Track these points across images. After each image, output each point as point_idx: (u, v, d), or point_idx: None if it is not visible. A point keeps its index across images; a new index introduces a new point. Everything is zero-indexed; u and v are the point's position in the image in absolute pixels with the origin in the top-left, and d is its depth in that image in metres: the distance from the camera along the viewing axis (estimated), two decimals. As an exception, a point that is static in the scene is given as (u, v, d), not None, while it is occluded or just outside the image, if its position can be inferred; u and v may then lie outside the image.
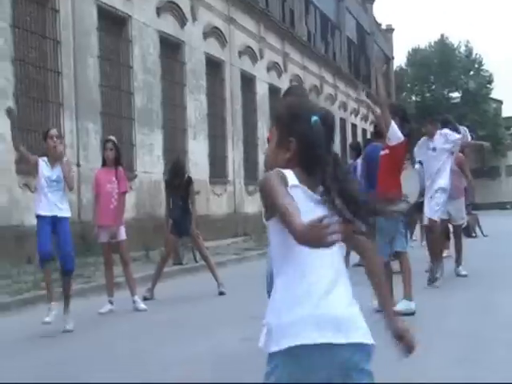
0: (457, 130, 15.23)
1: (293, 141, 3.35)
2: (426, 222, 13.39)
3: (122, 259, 11.83)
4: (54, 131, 10.52)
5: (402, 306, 9.52)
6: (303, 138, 3.39)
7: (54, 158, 10.12)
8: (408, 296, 9.66)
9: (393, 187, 9.89)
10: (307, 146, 3.39)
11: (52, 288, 10.04)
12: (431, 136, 13.27)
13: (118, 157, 11.77)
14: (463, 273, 13.74)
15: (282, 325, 3.23)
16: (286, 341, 3.19)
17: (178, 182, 13.28)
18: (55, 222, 10.04)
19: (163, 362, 7.14)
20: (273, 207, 3.20)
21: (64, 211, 10.20)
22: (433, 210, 13.01)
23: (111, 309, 11.29)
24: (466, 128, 15.91)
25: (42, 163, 10.14)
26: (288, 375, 3.24)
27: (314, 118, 3.41)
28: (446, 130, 13.13)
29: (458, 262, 14.23)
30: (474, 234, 25.26)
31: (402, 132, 10.22)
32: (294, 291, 3.24)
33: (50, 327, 9.62)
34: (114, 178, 11.58)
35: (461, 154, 14.42)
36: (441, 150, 13.07)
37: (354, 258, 10.35)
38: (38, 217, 10.09)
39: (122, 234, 11.61)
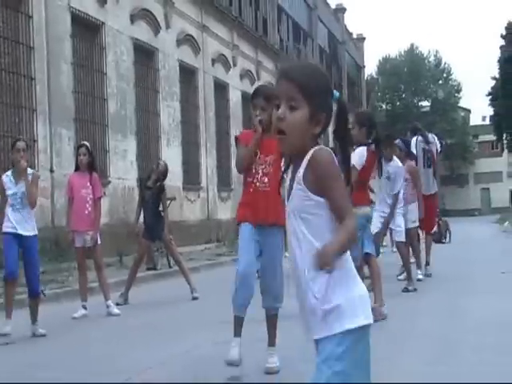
0: (426, 138, 15.35)
1: (324, 115, 3.25)
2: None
3: (96, 264, 11.72)
4: (20, 144, 10.02)
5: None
6: (330, 112, 3.35)
7: (19, 173, 9.77)
8: (379, 301, 9.63)
9: (362, 200, 9.88)
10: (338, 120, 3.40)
11: (11, 304, 9.73)
12: (388, 160, 13.03)
13: (92, 162, 11.63)
14: (419, 277, 13.72)
15: (354, 301, 3.21)
16: (363, 316, 3.21)
17: (151, 183, 13.32)
18: (23, 241, 9.72)
19: (137, 365, 7.12)
20: (328, 189, 3.19)
21: (30, 230, 9.80)
22: (398, 233, 13.32)
23: (85, 313, 11.18)
24: (434, 135, 16.02)
25: (6, 179, 9.84)
26: (366, 350, 3.25)
27: (336, 92, 3.38)
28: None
29: (418, 265, 14.34)
30: (444, 240, 25.42)
31: (368, 139, 10.22)
32: (350, 269, 3.28)
33: (22, 332, 9.54)
34: (88, 184, 11.45)
35: (412, 163, 14.39)
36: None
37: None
38: (4, 234, 9.74)
39: (98, 239, 11.53)
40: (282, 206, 6.59)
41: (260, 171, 6.74)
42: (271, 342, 6.76)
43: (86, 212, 11.42)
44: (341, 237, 3.12)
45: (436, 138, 15.83)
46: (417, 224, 14.06)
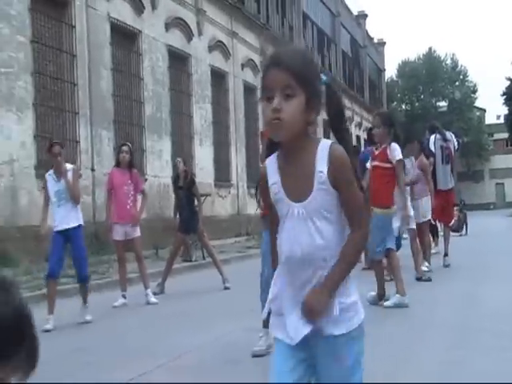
0: (444, 136, 15.32)
1: (318, 101, 3.02)
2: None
3: (137, 255, 11.86)
4: (56, 149, 10.05)
5: (395, 300, 9.55)
6: (321, 98, 3.11)
7: (59, 172, 9.98)
8: (401, 291, 9.65)
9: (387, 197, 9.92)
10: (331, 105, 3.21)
11: (53, 302, 9.77)
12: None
13: (132, 160, 11.85)
14: (424, 268, 13.39)
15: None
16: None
17: (181, 183, 13.40)
18: (68, 234, 9.86)
19: (172, 350, 7.17)
20: (345, 183, 3.00)
21: (74, 221, 9.94)
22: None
23: (124, 302, 11.32)
24: (452, 134, 15.99)
25: (49, 178, 10.03)
26: None
27: (324, 76, 3.19)
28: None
29: (425, 257, 14.21)
30: (461, 232, 25.13)
31: (388, 138, 10.28)
32: None
33: (68, 320, 9.67)
34: (129, 181, 11.64)
35: (424, 159, 14.21)
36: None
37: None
38: (54, 231, 9.89)
39: (137, 232, 11.68)
40: None
41: None
42: None
43: (128, 207, 11.61)
44: (336, 275, 2.99)
45: (453, 136, 15.77)
46: (428, 218, 13.98)
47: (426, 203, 13.87)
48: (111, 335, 8.81)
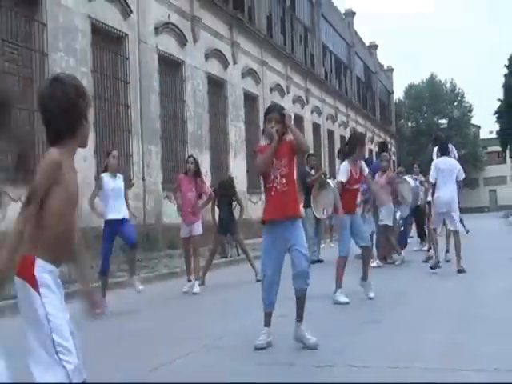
0: (446, 145, 15.31)
1: None
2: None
3: (193, 249, 11.94)
4: (115, 152, 10.56)
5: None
6: None
7: (114, 171, 10.22)
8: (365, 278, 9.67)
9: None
10: None
11: (105, 291, 9.97)
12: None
13: (198, 170, 12.06)
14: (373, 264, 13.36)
15: None
16: None
17: (225, 192, 13.42)
18: (121, 222, 9.98)
19: (214, 333, 7.19)
20: None
21: (124, 214, 10.10)
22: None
23: (192, 287, 11.45)
24: (453, 146, 15.97)
25: (106, 177, 10.16)
26: None
27: None
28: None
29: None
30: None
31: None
32: None
33: (123, 307, 9.73)
34: (193, 189, 11.86)
35: (392, 173, 15.34)
36: None
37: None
38: (106, 221, 10.01)
39: (198, 231, 11.85)
40: (298, 200, 6.60)
41: (278, 175, 6.60)
42: (300, 318, 6.45)
43: (190, 210, 11.76)
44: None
45: (454, 148, 15.77)
46: (385, 222, 14.41)
47: (386, 210, 14.33)
48: (161, 320, 8.84)
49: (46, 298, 3.12)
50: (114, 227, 9.96)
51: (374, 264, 13.39)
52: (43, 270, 3.15)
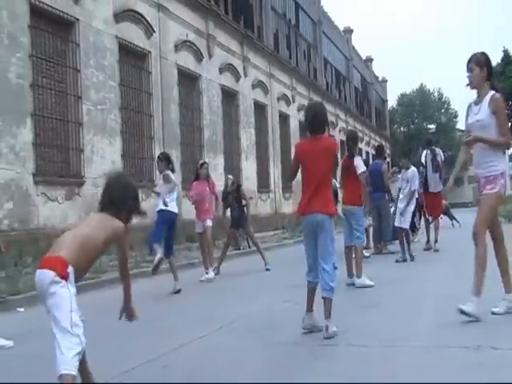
0: (434, 151, 15.33)
1: None
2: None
3: (207, 240, 12.06)
4: (161, 157, 10.78)
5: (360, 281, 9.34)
6: None
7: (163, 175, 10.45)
8: (359, 274, 9.37)
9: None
10: None
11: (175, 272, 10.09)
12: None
13: (208, 173, 12.51)
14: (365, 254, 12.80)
15: None
16: None
17: (236, 194, 13.54)
18: (171, 217, 10.10)
19: (227, 317, 7.20)
20: None
21: (175, 209, 10.28)
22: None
23: (208, 277, 11.49)
24: (440, 149, 15.97)
25: (160, 179, 10.63)
26: None
27: None
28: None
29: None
30: (453, 224, 24.98)
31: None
32: None
33: (141, 296, 9.75)
34: (207, 188, 12.15)
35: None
36: None
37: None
38: (159, 211, 10.10)
39: (209, 223, 12.06)
40: (331, 198, 6.25)
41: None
42: (327, 315, 5.79)
43: (205, 208, 12.03)
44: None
45: (441, 151, 15.82)
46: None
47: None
48: (179, 305, 8.85)
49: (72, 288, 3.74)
50: (167, 217, 10.08)
51: (367, 254, 13.43)
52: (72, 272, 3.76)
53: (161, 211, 10.12)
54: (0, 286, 8.63)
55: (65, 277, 3.66)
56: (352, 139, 10.36)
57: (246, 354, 5.46)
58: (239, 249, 17.39)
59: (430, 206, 15.18)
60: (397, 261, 12.46)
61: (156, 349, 5.70)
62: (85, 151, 16.50)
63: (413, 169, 13.64)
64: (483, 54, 6.39)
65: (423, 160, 15.13)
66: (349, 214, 9.69)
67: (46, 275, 3.66)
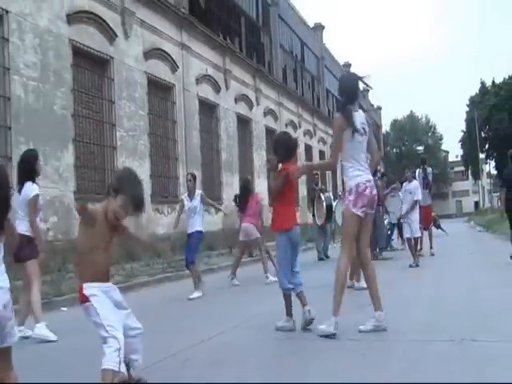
0: (425, 171, 15.47)
1: None
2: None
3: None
4: (188, 177, 10.44)
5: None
6: None
7: (192, 194, 10.13)
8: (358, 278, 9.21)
9: None
10: None
11: (196, 279, 9.91)
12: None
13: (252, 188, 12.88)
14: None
15: None
16: None
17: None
18: (190, 235, 9.94)
19: (242, 316, 7.20)
20: None
21: (196, 227, 9.93)
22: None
23: (233, 283, 11.39)
24: (431, 169, 16.12)
25: (184, 198, 10.19)
26: None
27: None
28: None
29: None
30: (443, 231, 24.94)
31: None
32: None
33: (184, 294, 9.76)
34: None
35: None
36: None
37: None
38: (188, 234, 9.98)
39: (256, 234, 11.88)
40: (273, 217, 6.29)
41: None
42: (288, 313, 6.20)
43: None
44: None
45: (432, 171, 15.96)
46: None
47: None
48: (198, 307, 8.78)
49: (94, 301, 3.77)
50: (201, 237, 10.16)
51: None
52: (89, 287, 3.82)
53: (200, 232, 10.05)
54: (46, 288, 8.68)
55: None
56: None
57: (259, 348, 5.48)
58: (252, 256, 17.32)
59: (422, 217, 15.19)
60: (410, 266, 12.21)
61: (178, 344, 5.72)
62: (118, 172, 16.59)
63: (416, 181, 13.73)
64: None
65: (417, 178, 15.22)
66: None
67: None
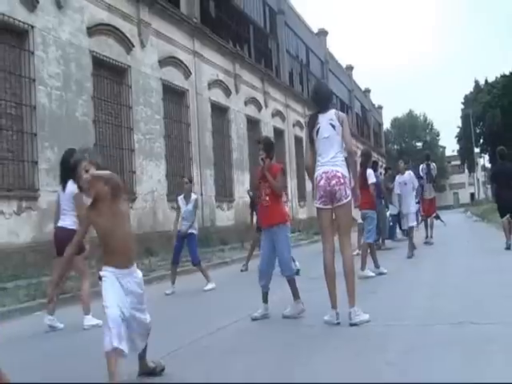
0: (429, 166, 15.55)
1: None
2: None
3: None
4: (185, 180, 10.08)
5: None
6: None
7: (187, 198, 9.80)
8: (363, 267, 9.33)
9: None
10: None
11: (174, 277, 9.60)
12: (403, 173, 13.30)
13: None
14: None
15: None
16: None
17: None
18: (185, 236, 9.64)
19: (256, 305, 7.15)
20: None
21: (192, 229, 9.67)
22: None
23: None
24: (434, 164, 16.25)
25: (180, 201, 9.80)
26: None
27: None
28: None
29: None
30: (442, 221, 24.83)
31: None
32: None
33: (185, 289, 9.78)
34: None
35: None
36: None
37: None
38: (178, 232, 9.63)
39: None
40: (280, 211, 6.37)
41: (263, 193, 6.54)
42: (296, 297, 6.36)
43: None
44: None
45: (435, 166, 16.07)
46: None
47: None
48: (213, 298, 8.78)
49: (104, 286, 3.88)
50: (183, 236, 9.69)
51: (354, 253, 13.21)
52: (103, 270, 3.96)
53: (195, 234, 9.78)
54: (70, 283, 8.75)
55: None
56: (364, 155, 10.60)
57: (271, 336, 5.52)
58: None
59: (426, 208, 15.59)
60: (408, 257, 11.77)
61: (197, 332, 5.75)
62: (136, 173, 16.68)
63: (409, 172, 13.42)
64: None
65: (421, 173, 15.37)
66: (364, 216, 9.80)
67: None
